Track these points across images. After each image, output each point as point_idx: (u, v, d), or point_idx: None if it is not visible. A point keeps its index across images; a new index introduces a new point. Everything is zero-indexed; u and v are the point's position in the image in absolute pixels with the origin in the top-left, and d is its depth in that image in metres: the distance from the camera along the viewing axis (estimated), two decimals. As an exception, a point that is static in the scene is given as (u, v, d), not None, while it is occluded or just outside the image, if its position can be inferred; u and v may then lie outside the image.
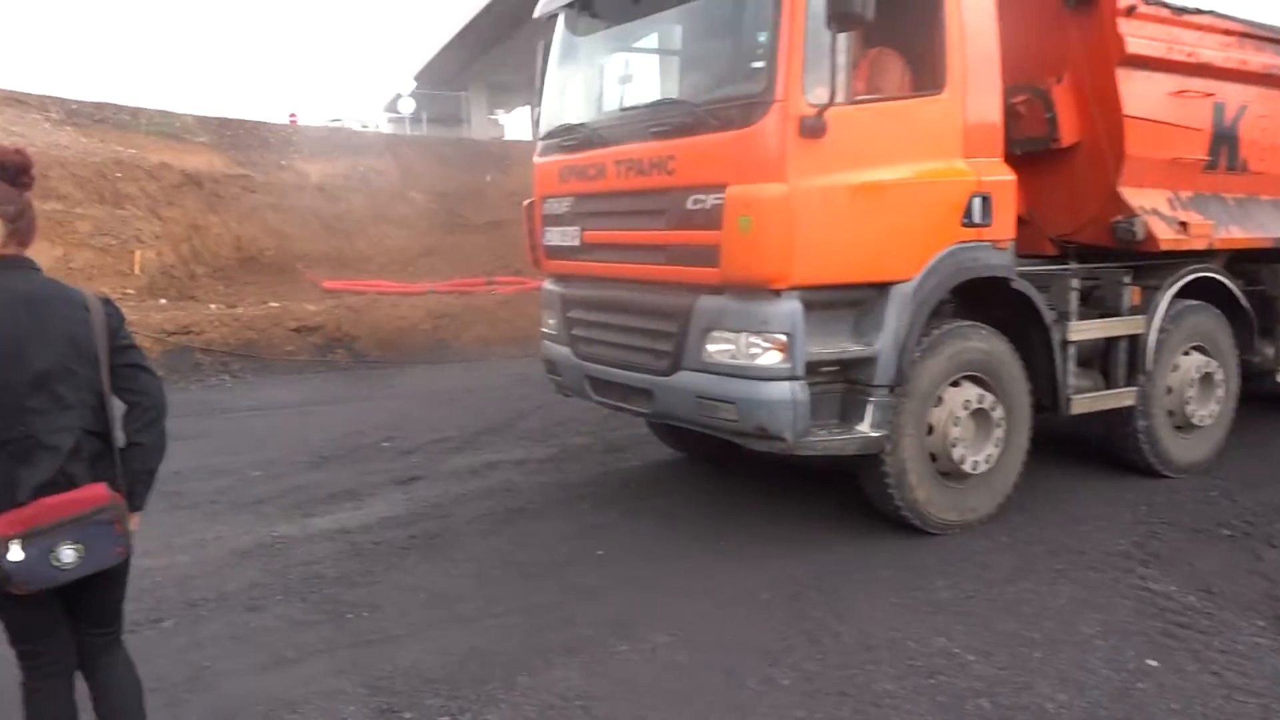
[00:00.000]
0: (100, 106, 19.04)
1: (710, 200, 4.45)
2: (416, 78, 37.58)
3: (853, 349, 4.56)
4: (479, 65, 45.33)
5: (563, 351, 5.60)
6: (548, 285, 5.88)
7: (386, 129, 39.95)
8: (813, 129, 4.29)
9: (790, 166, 4.29)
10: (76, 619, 2.50)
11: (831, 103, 4.26)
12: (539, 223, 5.74)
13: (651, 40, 5.88)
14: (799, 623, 3.85)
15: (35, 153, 13.56)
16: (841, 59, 4.41)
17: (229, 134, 23.39)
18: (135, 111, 20.00)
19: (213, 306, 12.71)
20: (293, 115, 33.10)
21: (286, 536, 5.08)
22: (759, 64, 4.42)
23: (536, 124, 5.99)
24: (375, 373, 11.39)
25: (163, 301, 12.85)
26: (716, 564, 4.57)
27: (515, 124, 56.96)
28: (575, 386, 5.55)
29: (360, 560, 4.69)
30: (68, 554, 2.22)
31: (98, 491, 2.31)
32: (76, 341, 2.32)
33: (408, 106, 35.03)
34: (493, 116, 54.39)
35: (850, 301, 4.62)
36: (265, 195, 18.08)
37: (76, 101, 18.88)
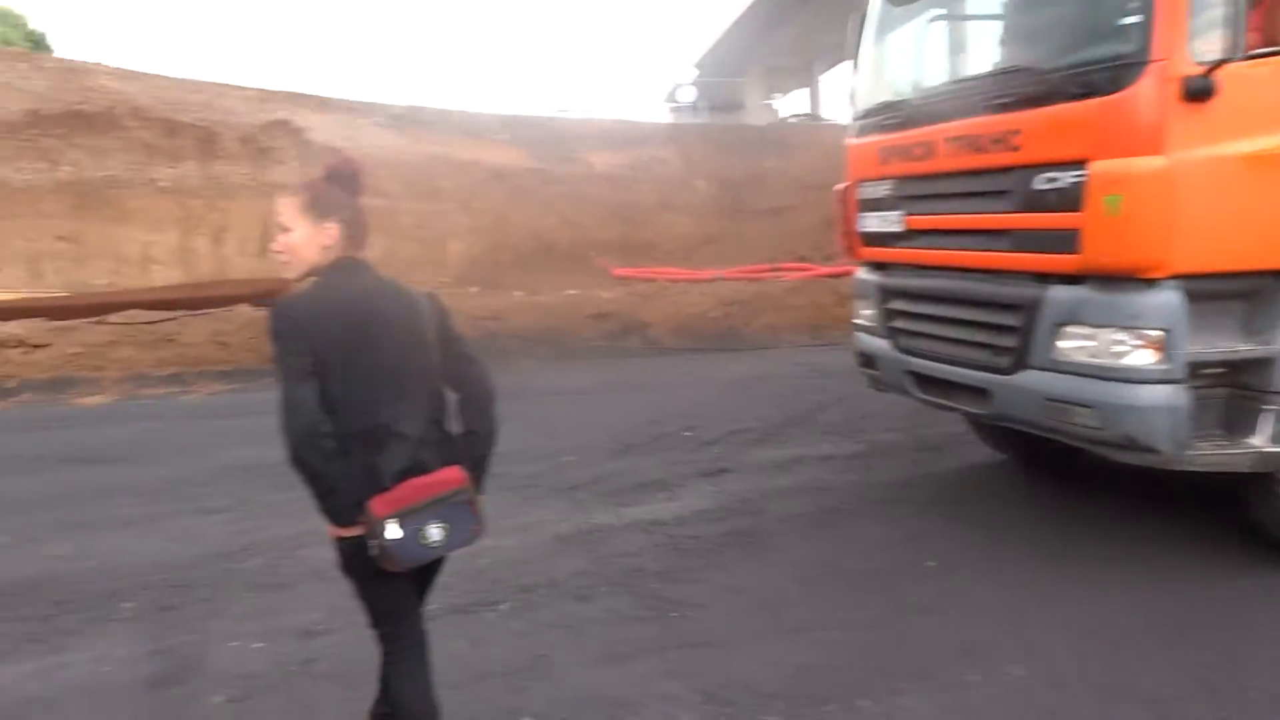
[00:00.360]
0: (415, 110, 20.76)
1: (1067, 178, 3.95)
2: (697, 65, 38.05)
3: (1244, 348, 3.89)
4: (758, 50, 45.29)
5: (880, 344, 5.28)
6: (862, 274, 5.56)
7: (667, 119, 40.87)
8: (1199, 91, 3.67)
9: (1171, 136, 3.70)
10: None
11: (1224, 59, 3.63)
12: (853, 208, 5.43)
13: (983, 3, 5.39)
14: (1189, 669, 3.32)
15: (363, 154, 15.03)
16: (1234, 6, 3.75)
17: (524, 130, 24.72)
18: (444, 113, 21.64)
19: (517, 294, 13.47)
20: (578, 110, 34.71)
21: (604, 525, 5.14)
22: (1130, 18, 3.86)
23: (851, 102, 5.67)
24: (668, 359, 11.54)
25: (473, 289, 13.78)
26: (1066, 588, 4.08)
27: (790, 108, 56.31)
28: (893, 382, 5.20)
29: (679, 555, 4.65)
30: (435, 533, 2.31)
31: (454, 474, 2.39)
32: (415, 335, 2.40)
33: (687, 95, 35.54)
34: (767, 102, 54.19)
35: (1241, 292, 3.93)
36: (560, 187, 18.94)
37: (396, 106, 20.72)
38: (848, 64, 5.77)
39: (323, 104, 18.96)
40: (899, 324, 5.10)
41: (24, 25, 32.08)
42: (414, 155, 17.20)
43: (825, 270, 15.27)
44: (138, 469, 6.68)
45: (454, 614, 3.94)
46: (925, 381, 4.92)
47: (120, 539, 5.16)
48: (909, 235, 4.93)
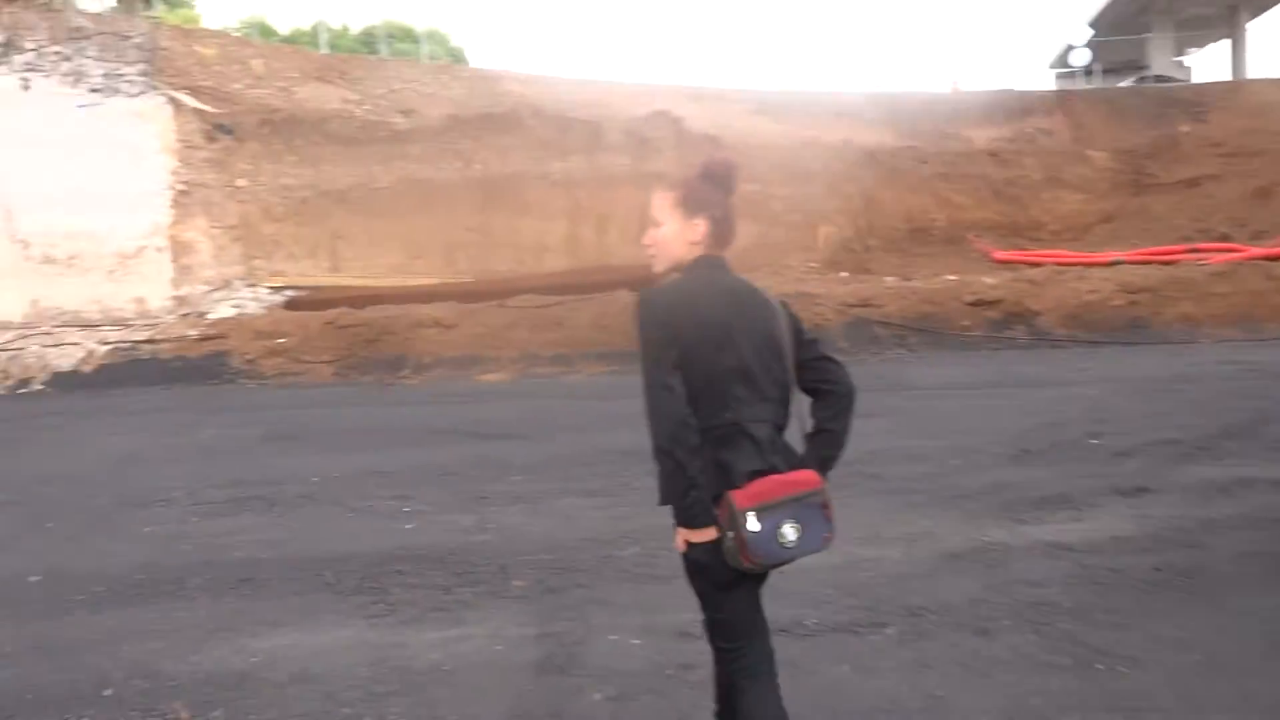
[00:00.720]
0: (784, 94, 20.67)
1: None
2: (1092, 24, 34.27)
3: None
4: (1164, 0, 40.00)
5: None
6: None
7: (1053, 86, 37.57)
8: None
9: None
10: None
11: None
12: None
13: None
14: None
15: (734, 140, 15.12)
16: None
17: (896, 108, 23.84)
18: (814, 95, 21.35)
19: (888, 279, 12.84)
20: (954, 83, 32.73)
21: (1001, 544, 4.55)
22: None
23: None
24: (1059, 353, 10.39)
25: (843, 274, 13.38)
26: None
27: (1207, 65, 49.71)
28: None
29: (1097, 591, 3.96)
30: (790, 533, 2.21)
31: (810, 475, 2.29)
32: (771, 336, 2.35)
33: (1081, 58, 32.12)
34: (1179, 58, 47.89)
35: None
36: (934, 165, 17.89)
37: (766, 91, 20.75)
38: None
39: (696, 94, 19.44)
40: None
41: (447, 42, 36.59)
42: (784, 139, 17.05)
43: (1260, 251, 12.94)
44: (528, 446, 7.11)
45: (835, 632, 3.64)
46: None
47: (512, 515, 5.45)
48: None
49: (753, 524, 2.17)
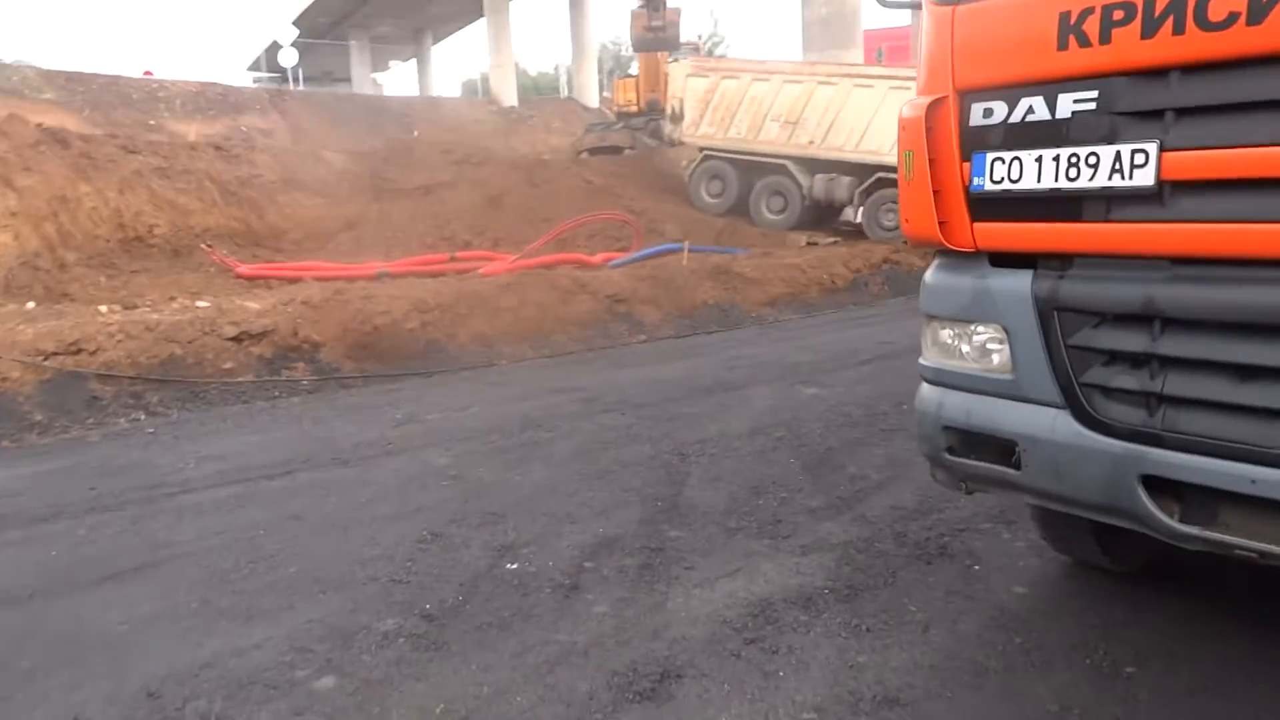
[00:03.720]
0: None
1: None
2: (296, 24, 32.89)
3: None
4: (359, 14, 40.82)
5: (1033, 416, 2.60)
6: (978, 278, 2.80)
7: (257, 84, 35.42)
8: None
9: None
10: None
11: None
12: (956, 144, 2.70)
13: None
14: None
15: None
16: None
17: (81, 90, 18.98)
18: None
19: (104, 309, 9.00)
20: (148, 71, 28.35)
21: None
22: None
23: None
24: (354, 394, 8.05)
25: (30, 305, 9.07)
26: None
27: (398, 83, 52.84)
28: (1073, 491, 2.57)
29: None
30: None
31: None
32: None
33: (290, 58, 30.46)
34: (375, 75, 49.76)
35: None
36: (147, 158, 14.10)
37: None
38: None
39: None
40: (1123, 379, 2.46)
41: None
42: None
43: (531, 261, 12.41)
44: None
45: None
46: (1198, 499, 2.35)
47: None
48: (1165, 196, 2.30)
49: None
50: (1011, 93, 2.56)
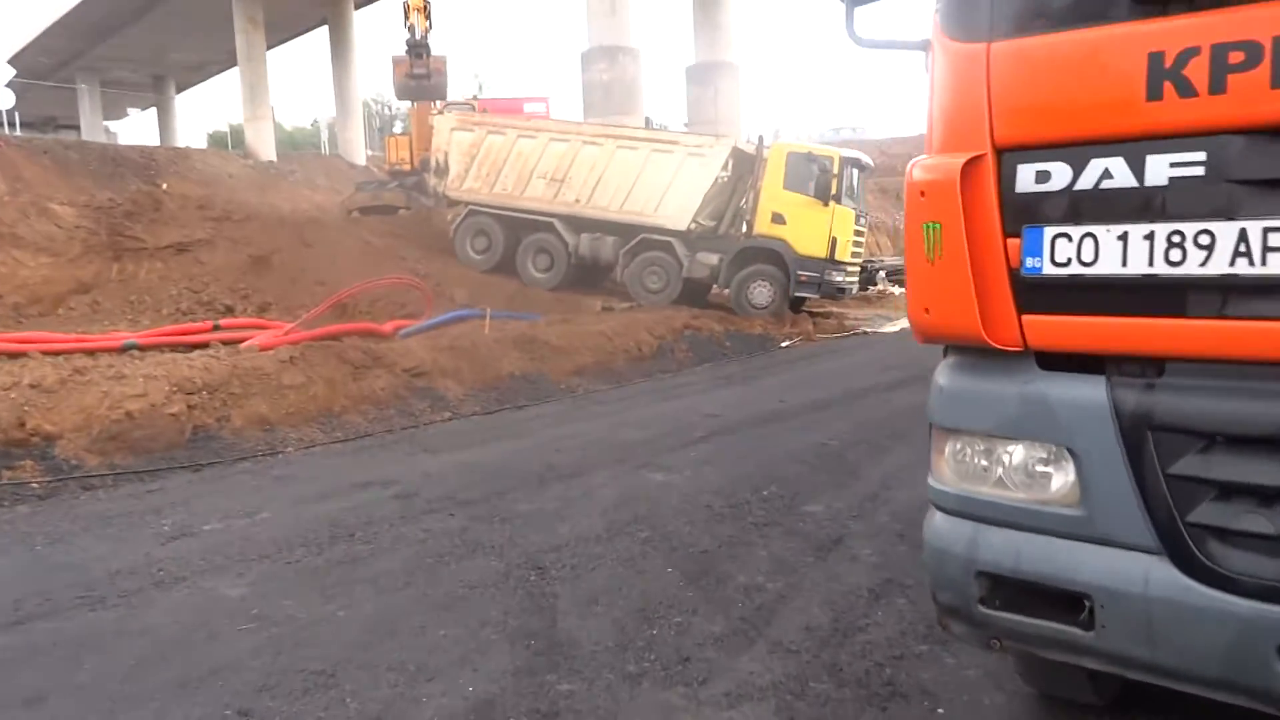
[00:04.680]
0: None
1: None
2: (12, 62, 29.09)
3: None
4: (90, 57, 37.14)
5: (1125, 566, 2.03)
6: (993, 383, 2.21)
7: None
8: None
9: None
10: None
11: None
12: (993, 217, 2.12)
13: None
14: None
15: None
16: None
17: None
18: None
19: None
20: None
21: None
22: None
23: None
24: (101, 498, 6.55)
25: None
26: None
27: (135, 132, 48.68)
28: (1188, 663, 1.99)
29: None
30: None
31: None
32: None
33: (6, 100, 26.83)
34: (107, 122, 45.47)
35: None
36: None
37: None
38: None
39: None
40: (1248, 519, 1.91)
41: None
42: None
43: (312, 332, 11.06)
44: None
45: None
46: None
47: None
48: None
49: None
50: (1077, 152, 2.02)
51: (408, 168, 23.71)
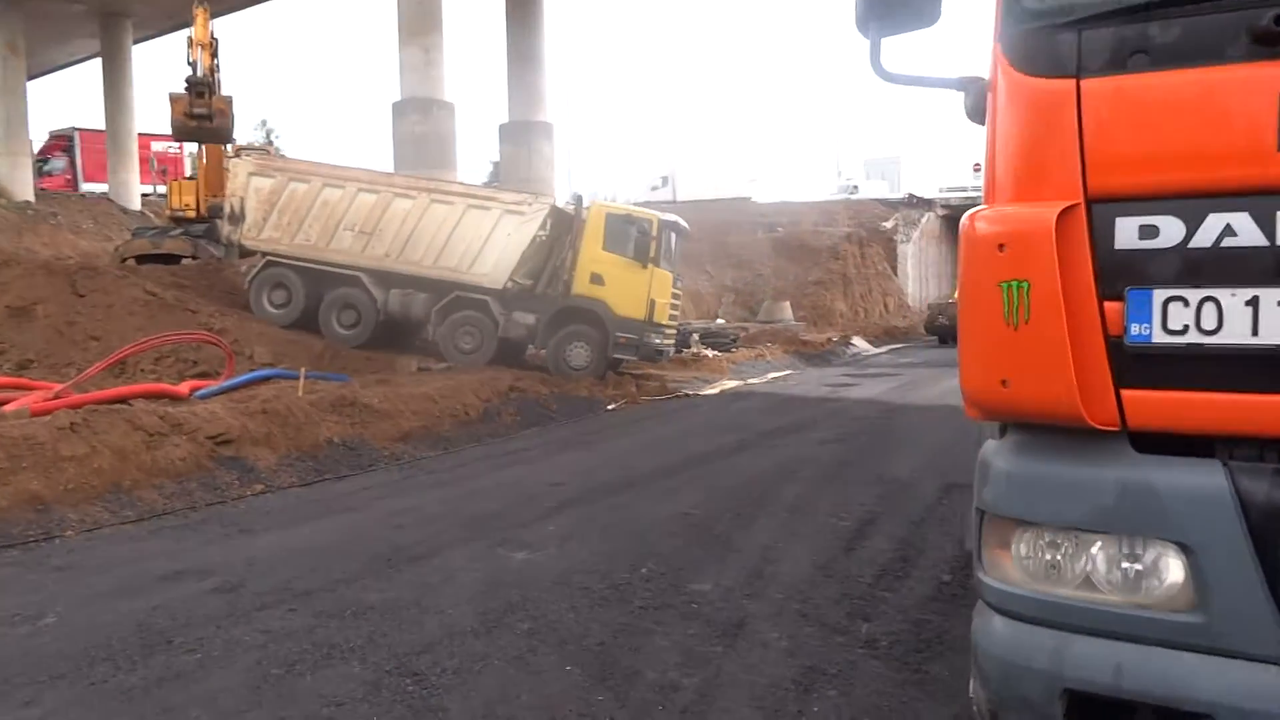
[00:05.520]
0: None
1: None
2: None
3: None
4: None
5: (1260, 681, 1.75)
6: (1078, 468, 1.91)
7: None
8: None
9: None
10: None
11: None
12: (1088, 276, 1.83)
13: None
14: None
15: None
16: None
17: None
18: None
19: None
20: None
21: None
22: None
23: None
24: None
25: None
26: None
27: None
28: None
29: None
30: None
31: None
32: None
33: None
34: None
35: None
36: None
37: None
38: None
39: None
40: None
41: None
42: None
43: (92, 395, 9.64)
44: None
45: None
46: None
47: None
48: None
49: None
50: (1190, 205, 1.78)
51: (192, 215, 21.90)
